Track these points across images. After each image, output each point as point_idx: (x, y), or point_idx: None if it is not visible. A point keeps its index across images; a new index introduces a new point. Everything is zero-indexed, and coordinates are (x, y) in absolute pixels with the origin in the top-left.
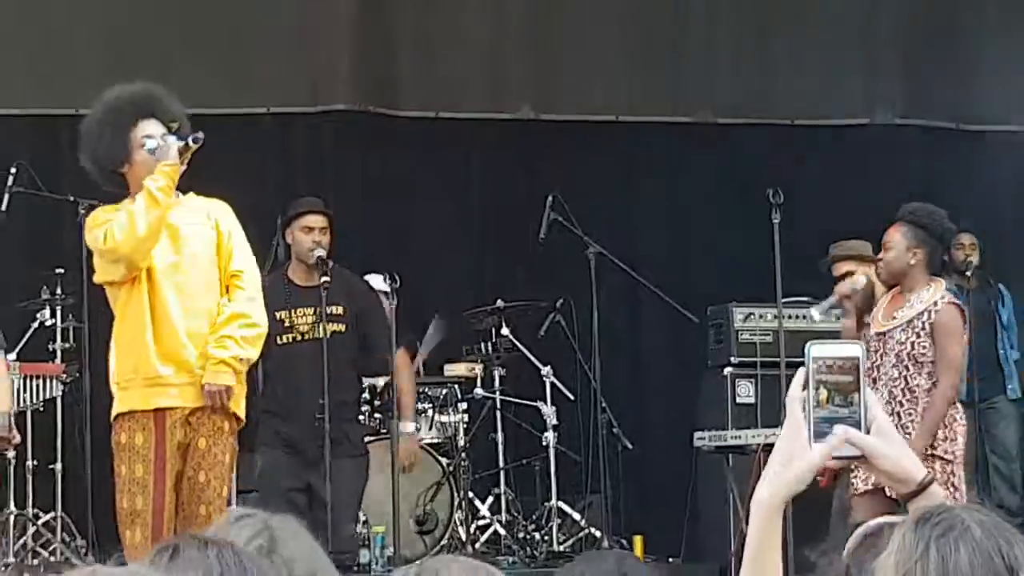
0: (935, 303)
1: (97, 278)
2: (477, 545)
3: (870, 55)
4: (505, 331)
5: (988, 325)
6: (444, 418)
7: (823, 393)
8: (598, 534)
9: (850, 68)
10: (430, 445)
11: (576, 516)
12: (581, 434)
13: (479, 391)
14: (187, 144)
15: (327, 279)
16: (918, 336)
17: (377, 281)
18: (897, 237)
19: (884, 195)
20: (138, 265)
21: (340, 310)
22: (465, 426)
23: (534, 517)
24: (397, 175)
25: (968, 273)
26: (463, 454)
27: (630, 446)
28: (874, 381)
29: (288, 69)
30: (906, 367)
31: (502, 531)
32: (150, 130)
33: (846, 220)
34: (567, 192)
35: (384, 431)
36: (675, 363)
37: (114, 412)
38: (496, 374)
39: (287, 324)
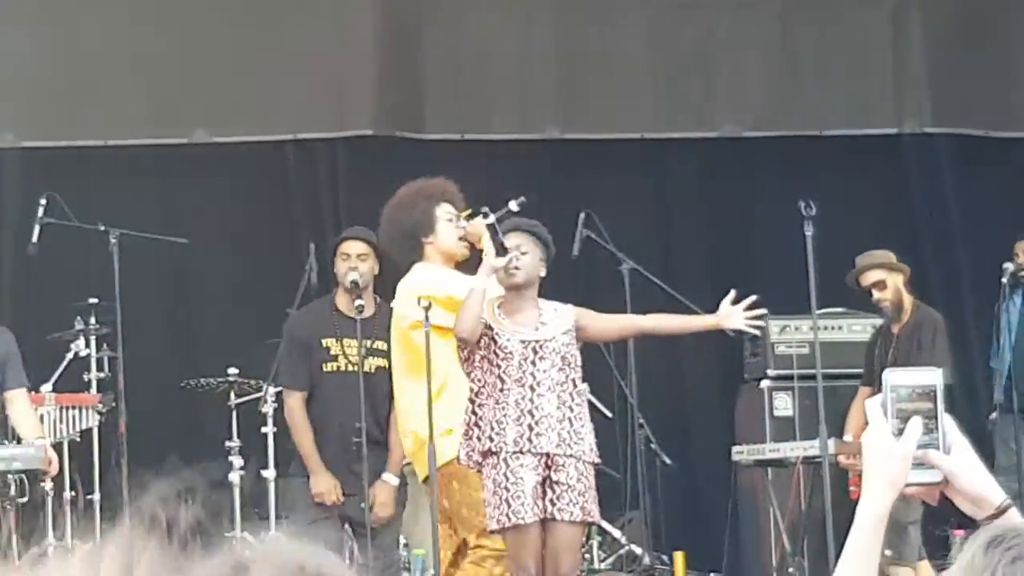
0: (571, 312)
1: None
2: None
3: (898, 64)
4: None
5: None
6: None
7: (901, 422)
8: (639, 551)
9: (879, 78)
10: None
11: (616, 533)
12: (619, 451)
13: None
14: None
15: (361, 302)
16: (575, 340)
17: None
18: (531, 244)
19: (915, 205)
20: None
21: (385, 346)
22: None
23: None
24: None
25: (1003, 280)
26: None
27: (669, 462)
28: (532, 388)
29: (313, 95)
30: (571, 369)
31: None
32: (449, 210)
33: (877, 230)
34: (597, 210)
35: None
36: (712, 377)
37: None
38: None
39: (333, 352)
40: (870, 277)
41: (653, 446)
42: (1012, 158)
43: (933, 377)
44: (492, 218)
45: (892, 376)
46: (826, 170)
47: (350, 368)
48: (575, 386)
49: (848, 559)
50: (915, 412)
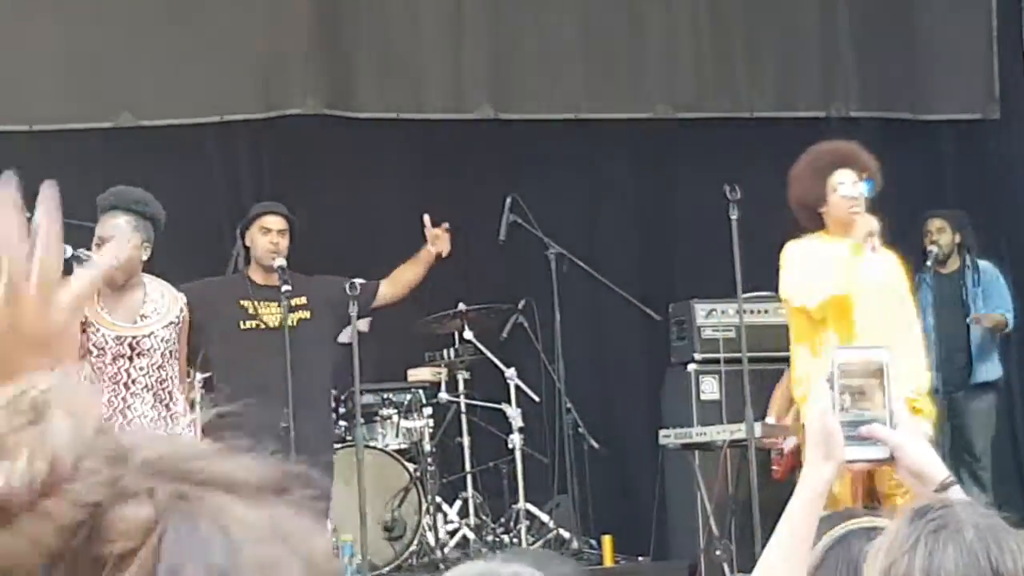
0: (178, 299)
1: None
2: (446, 550)
3: (826, 48)
4: (468, 334)
5: (957, 314)
6: (409, 423)
7: (848, 398)
8: (567, 535)
9: (806, 61)
10: (396, 451)
11: (544, 518)
12: (547, 435)
13: (443, 395)
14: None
15: (288, 288)
16: (176, 333)
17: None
18: (130, 230)
19: None
20: None
21: (304, 300)
22: (430, 431)
23: (502, 520)
24: (357, 179)
25: (928, 262)
26: (429, 459)
27: (596, 446)
28: (126, 387)
29: (241, 75)
30: (169, 365)
31: (471, 535)
32: (844, 178)
33: None
34: (527, 192)
35: (349, 439)
36: (639, 361)
37: None
38: (460, 378)
39: (251, 312)
40: None
41: (581, 430)
42: (935, 141)
43: (880, 355)
44: (69, 252)
45: (840, 354)
46: (755, 153)
47: (270, 325)
48: (173, 383)
49: (783, 531)
50: (862, 389)
